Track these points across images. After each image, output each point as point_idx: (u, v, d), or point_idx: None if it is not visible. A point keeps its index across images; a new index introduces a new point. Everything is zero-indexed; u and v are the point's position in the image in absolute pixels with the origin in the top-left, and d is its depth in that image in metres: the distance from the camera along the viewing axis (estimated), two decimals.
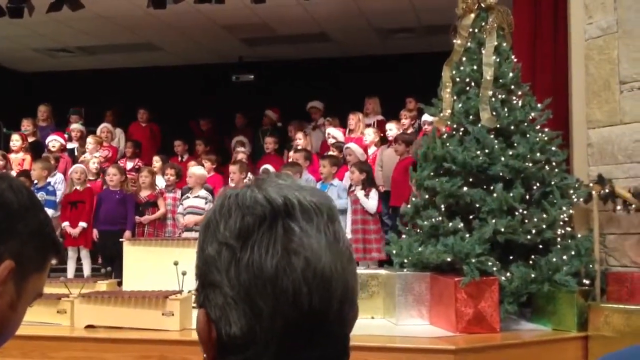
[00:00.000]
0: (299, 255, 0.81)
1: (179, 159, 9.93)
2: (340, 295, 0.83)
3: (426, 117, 7.04)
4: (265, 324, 0.81)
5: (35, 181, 8.00)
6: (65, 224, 7.81)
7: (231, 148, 10.02)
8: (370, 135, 8.24)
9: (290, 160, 8.35)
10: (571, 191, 5.20)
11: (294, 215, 0.83)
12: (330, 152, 8.27)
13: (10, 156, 9.04)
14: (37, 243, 1.05)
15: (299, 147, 8.51)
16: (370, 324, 4.99)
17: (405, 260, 5.22)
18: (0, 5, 8.26)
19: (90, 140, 9.47)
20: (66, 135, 9.97)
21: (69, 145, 9.82)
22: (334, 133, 8.67)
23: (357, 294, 0.88)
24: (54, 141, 9.43)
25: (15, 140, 9.17)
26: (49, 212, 7.63)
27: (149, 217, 7.97)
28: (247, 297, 0.81)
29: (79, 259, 7.98)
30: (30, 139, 9.67)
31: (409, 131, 8.15)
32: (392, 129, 7.95)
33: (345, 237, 0.88)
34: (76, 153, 9.68)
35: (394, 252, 5.37)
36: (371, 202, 7.07)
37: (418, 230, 5.31)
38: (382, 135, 8.40)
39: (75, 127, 10.10)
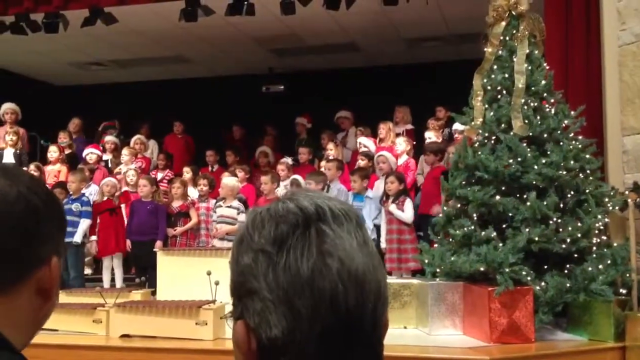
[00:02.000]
0: (333, 256, 0.83)
1: (210, 169, 10.03)
2: (374, 295, 0.86)
3: (457, 126, 6.99)
4: (304, 327, 0.82)
5: (70, 192, 8.14)
6: (93, 238, 7.98)
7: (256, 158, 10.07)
8: (402, 144, 8.21)
9: (322, 169, 8.34)
10: (606, 199, 5.12)
11: (326, 220, 0.86)
12: (359, 163, 8.24)
13: (47, 168, 9.22)
14: (63, 229, 1.10)
15: (331, 157, 8.52)
16: (403, 334, 4.96)
17: (438, 270, 5.19)
18: (36, 21, 8.46)
19: (125, 152, 9.62)
20: (101, 147, 10.15)
21: (104, 157, 10.00)
22: (366, 142, 8.67)
23: (388, 296, 0.91)
24: (90, 154, 9.63)
25: (53, 152, 9.36)
26: (86, 222, 7.78)
27: (181, 228, 8.05)
28: (286, 299, 0.83)
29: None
30: (67, 151, 9.87)
31: (439, 140, 8.11)
32: (431, 137, 7.93)
33: (372, 242, 0.91)
34: (110, 165, 9.84)
35: (426, 261, 5.35)
36: (407, 213, 7.02)
37: (450, 240, 5.28)
38: (414, 143, 8.38)
39: (109, 139, 10.28)
